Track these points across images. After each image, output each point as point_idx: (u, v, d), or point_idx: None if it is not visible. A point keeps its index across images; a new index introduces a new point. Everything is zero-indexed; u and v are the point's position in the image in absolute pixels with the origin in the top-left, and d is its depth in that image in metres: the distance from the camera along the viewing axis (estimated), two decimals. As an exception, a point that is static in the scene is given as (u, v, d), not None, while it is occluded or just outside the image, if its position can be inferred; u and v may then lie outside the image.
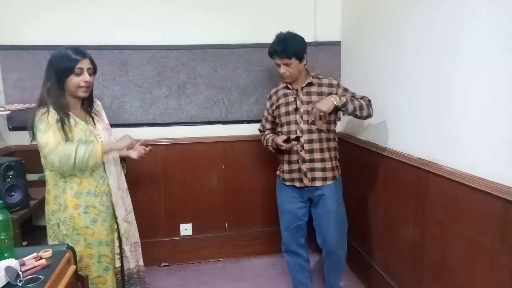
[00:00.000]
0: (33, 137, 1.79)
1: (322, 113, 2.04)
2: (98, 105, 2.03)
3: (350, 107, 2.10)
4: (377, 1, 2.44)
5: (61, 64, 1.77)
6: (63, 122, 1.76)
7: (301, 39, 2.21)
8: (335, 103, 2.06)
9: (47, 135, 1.71)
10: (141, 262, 2.12)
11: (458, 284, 1.76)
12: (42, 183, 2.49)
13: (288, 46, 2.14)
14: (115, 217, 1.98)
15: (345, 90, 2.26)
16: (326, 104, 2.05)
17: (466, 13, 1.63)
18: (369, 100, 2.22)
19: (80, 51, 1.82)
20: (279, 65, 2.21)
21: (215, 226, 3.17)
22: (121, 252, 2.02)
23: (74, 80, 1.79)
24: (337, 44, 3.04)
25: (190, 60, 2.94)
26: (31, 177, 2.51)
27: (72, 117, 1.82)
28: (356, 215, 2.77)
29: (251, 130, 3.06)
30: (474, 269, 1.65)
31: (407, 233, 2.18)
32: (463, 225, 1.71)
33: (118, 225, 1.99)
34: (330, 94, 2.19)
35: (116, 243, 1.99)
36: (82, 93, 1.84)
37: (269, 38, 2.96)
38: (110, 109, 2.84)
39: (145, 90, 2.91)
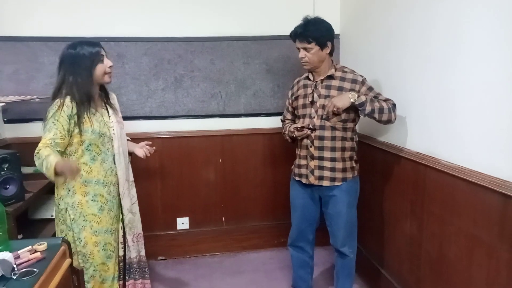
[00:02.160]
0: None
1: (336, 109, 1.96)
2: (113, 98, 2.10)
3: (368, 108, 1.96)
4: (376, -7, 2.42)
5: (88, 59, 1.83)
6: (80, 114, 1.82)
7: (327, 25, 2.08)
8: (351, 100, 1.95)
9: (47, 134, 1.77)
10: (142, 253, 2.18)
11: (456, 278, 1.77)
12: (37, 176, 2.48)
13: (309, 29, 2.02)
14: (120, 207, 2.05)
15: (370, 89, 2.08)
16: (342, 100, 1.96)
17: (469, 7, 1.62)
18: (394, 104, 2.04)
19: (95, 42, 1.90)
20: (299, 49, 2.10)
21: (212, 220, 3.16)
22: (124, 242, 2.09)
23: (100, 68, 1.88)
24: (336, 37, 3.00)
25: (187, 52, 2.91)
26: (27, 170, 2.49)
27: (93, 107, 1.90)
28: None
29: (248, 123, 3.05)
30: (472, 263, 1.65)
31: (405, 228, 2.18)
32: (461, 219, 1.70)
33: (123, 215, 2.06)
34: (351, 90, 2.04)
35: (121, 233, 2.07)
36: (108, 79, 1.93)
37: (267, 31, 2.97)
38: (107, 102, 2.82)
39: (141, 82, 2.89)
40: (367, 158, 2.57)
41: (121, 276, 2.09)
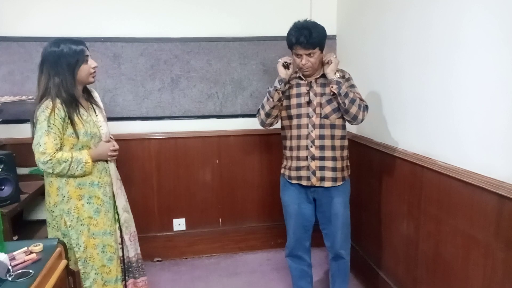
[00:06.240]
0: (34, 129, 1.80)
1: (329, 61, 2.01)
2: (96, 96, 2.06)
3: (344, 89, 1.97)
4: (373, -5, 2.42)
5: (71, 57, 1.79)
6: (71, 116, 1.79)
7: (322, 27, 2.05)
8: (337, 74, 2.01)
9: (46, 138, 1.73)
10: (139, 251, 2.16)
11: (452, 278, 1.77)
12: (33, 177, 2.47)
13: (313, 35, 1.96)
14: (115, 207, 2.03)
15: (352, 86, 2.09)
16: (335, 67, 2.02)
17: (465, 7, 1.62)
18: (366, 106, 2.05)
19: (78, 40, 1.87)
20: (299, 56, 2.03)
21: (209, 221, 3.15)
22: (122, 242, 2.07)
23: (85, 68, 1.84)
24: (332, 38, 3.02)
25: (183, 53, 2.90)
26: (22, 170, 2.48)
27: (82, 108, 1.87)
28: (351, 211, 2.77)
29: (245, 124, 3.05)
30: (468, 263, 1.66)
31: (402, 228, 2.19)
32: (458, 220, 1.71)
33: (118, 215, 2.03)
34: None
35: (118, 233, 2.05)
36: (92, 79, 1.90)
37: (264, 32, 2.97)
38: (102, 102, 2.78)
39: (138, 83, 2.88)
40: (364, 159, 2.57)
41: (122, 277, 2.07)
